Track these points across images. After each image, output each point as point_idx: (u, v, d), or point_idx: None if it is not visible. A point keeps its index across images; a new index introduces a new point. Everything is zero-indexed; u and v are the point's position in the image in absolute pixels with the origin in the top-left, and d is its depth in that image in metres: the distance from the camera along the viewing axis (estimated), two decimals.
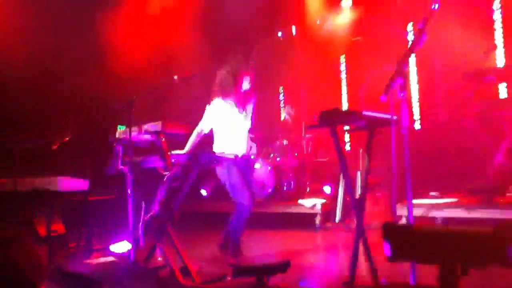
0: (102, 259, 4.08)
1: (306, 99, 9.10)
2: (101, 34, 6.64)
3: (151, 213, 3.66)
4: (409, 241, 1.95)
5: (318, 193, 6.77)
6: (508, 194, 4.92)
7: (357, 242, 3.09)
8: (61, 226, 5.05)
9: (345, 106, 8.77)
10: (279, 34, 9.20)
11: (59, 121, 5.76)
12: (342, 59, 8.97)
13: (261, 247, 5.06)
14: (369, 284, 3.02)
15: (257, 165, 6.83)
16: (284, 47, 9.09)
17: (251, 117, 4.49)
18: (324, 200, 6.29)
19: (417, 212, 4.94)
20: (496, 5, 6.89)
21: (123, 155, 3.73)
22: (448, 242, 1.85)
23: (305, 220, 6.22)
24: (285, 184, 7.05)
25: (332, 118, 3.18)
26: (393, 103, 2.81)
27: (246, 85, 4.43)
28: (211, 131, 4.42)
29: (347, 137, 8.47)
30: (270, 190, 6.78)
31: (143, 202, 3.77)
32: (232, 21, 7.57)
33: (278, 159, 7.09)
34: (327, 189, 6.66)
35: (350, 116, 3.26)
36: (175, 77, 3.94)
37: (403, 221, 4.79)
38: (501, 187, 4.90)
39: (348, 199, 5.46)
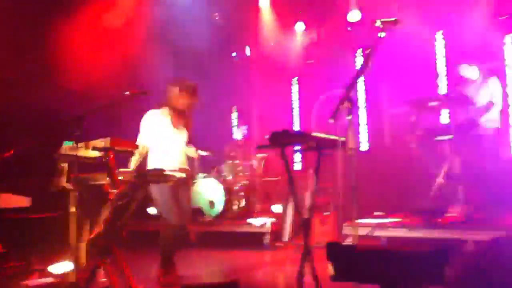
0: (42, 280, 3.91)
1: (258, 119, 9.20)
2: (50, 47, 6.46)
3: (96, 232, 3.55)
4: (352, 261, 2.00)
5: (268, 212, 6.82)
6: (447, 215, 5.14)
7: (303, 261, 3.12)
8: None
9: (296, 127, 8.93)
10: (234, 54, 9.32)
11: None
12: (295, 81, 9.16)
13: (210, 266, 5.01)
14: None
15: (207, 183, 6.80)
16: (238, 67, 9.19)
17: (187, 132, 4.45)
18: (273, 219, 6.32)
19: (362, 231, 5.05)
20: (439, 35, 7.29)
21: (68, 172, 3.62)
22: (389, 263, 1.91)
23: (254, 239, 6.22)
24: (236, 203, 7.04)
25: (282, 139, 3.23)
26: (340, 126, 2.90)
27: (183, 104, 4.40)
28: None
29: (298, 157, 8.61)
30: (220, 208, 6.75)
31: (88, 220, 3.65)
32: (188, 39, 7.58)
33: (229, 178, 7.09)
34: (276, 208, 6.72)
35: (300, 137, 3.33)
36: (126, 92, 3.89)
37: (350, 240, 4.89)
38: (441, 208, 5.11)
39: (297, 218, 5.53)
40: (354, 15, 7.66)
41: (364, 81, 7.88)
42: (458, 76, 5.59)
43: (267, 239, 6.18)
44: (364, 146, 7.98)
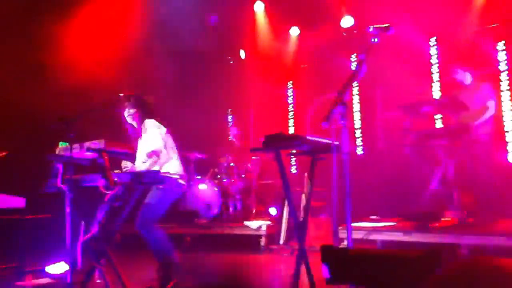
0: (37, 281, 3.90)
1: (253, 122, 9.23)
2: (46, 46, 6.44)
3: (90, 234, 3.55)
4: (346, 264, 2.02)
5: (264, 215, 6.83)
6: (442, 219, 5.18)
7: (298, 264, 3.14)
8: None
9: (291, 130, 8.97)
10: (229, 57, 9.36)
11: None
12: (290, 84, 9.20)
13: (205, 269, 5.00)
14: None
15: (203, 186, 6.81)
16: (233, 70, 9.22)
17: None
18: (269, 222, 6.34)
19: (357, 235, 5.08)
20: (433, 41, 7.35)
21: (63, 173, 3.62)
22: (382, 266, 1.93)
23: (250, 242, 6.23)
24: (231, 205, 7.05)
25: (276, 142, 3.25)
26: (334, 130, 2.92)
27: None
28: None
29: (293, 160, 8.64)
30: (216, 211, 6.76)
31: (82, 222, 3.65)
32: (183, 42, 7.59)
33: (224, 180, 7.10)
34: (272, 211, 6.73)
35: (294, 140, 3.34)
36: (121, 94, 3.90)
37: (345, 243, 4.91)
38: (435, 212, 5.14)
39: (292, 221, 5.54)
40: (347, 21, 7.73)
41: (358, 85, 7.93)
42: (452, 79, 5.63)
43: (262, 241, 6.19)
44: (358, 150, 8.02)
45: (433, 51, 7.36)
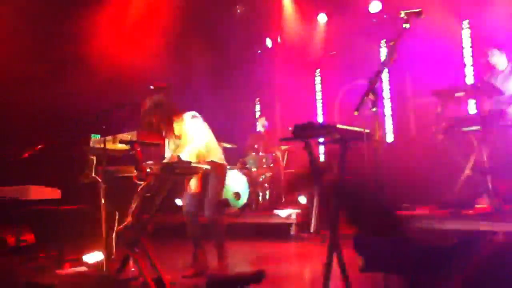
0: (74, 269, 4.02)
1: (281, 111, 9.21)
2: (76, 41, 6.57)
3: (125, 223, 3.63)
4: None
5: (293, 203, 6.83)
6: (476, 207, 5.07)
7: (330, 252, 3.13)
8: (31, 235, 4.95)
9: (320, 119, 8.90)
10: (256, 47, 9.33)
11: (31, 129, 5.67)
12: (318, 73, 9.12)
13: (235, 258, 5.07)
14: None
15: (232, 176, 6.85)
16: (261, 59, 9.20)
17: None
18: (299, 210, 6.34)
19: None
20: (465, 24, 7.14)
21: (97, 164, 3.70)
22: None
23: (280, 230, 6.25)
24: (260, 194, 7.08)
25: (305, 131, 3.23)
26: (365, 118, 2.89)
27: None
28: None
29: (321, 148, 8.58)
30: (245, 200, 6.80)
31: (116, 212, 3.73)
32: (209, 33, 7.62)
33: (253, 169, 7.13)
34: (302, 199, 6.73)
35: (324, 129, 3.32)
36: (151, 86, 3.95)
37: None
38: (470, 200, 5.04)
39: (322, 209, 5.53)
40: (375, 6, 7.59)
41: (389, 72, 7.79)
42: (486, 63, 5.47)
43: (292, 230, 6.20)
44: (389, 137, 7.90)
45: (466, 34, 7.15)
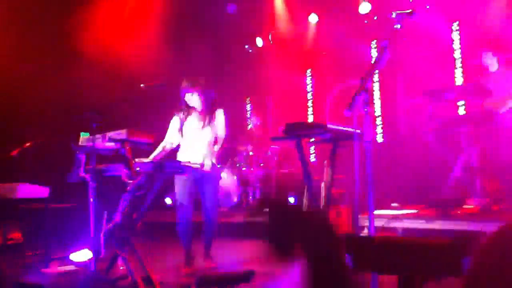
0: (62, 268, 3.98)
1: (272, 110, 9.20)
2: (66, 41, 6.51)
3: (113, 222, 3.60)
4: (370, 252, 2.00)
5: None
6: (464, 207, 5.10)
7: None
8: (18, 234, 4.89)
9: (310, 118, 8.91)
10: (246, 46, 9.31)
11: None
12: (309, 72, 9.13)
13: (225, 257, 5.05)
14: None
15: (223, 175, 6.84)
16: (252, 58, 9.18)
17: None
18: None
19: (378, 223, 5.03)
20: (455, 25, 7.19)
21: (86, 163, 3.67)
22: (407, 254, 1.91)
23: None
24: (250, 194, 7.07)
25: (297, 131, 3.24)
26: (356, 118, 2.89)
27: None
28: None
29: (312, 148, 8.60)
30: (235, 199, 6.79)
31: (105, 211, 3.70)
32: (202, 31, 7.59)
33: (243, 169, 7.12)
34: (292, 199, 6.73)
35: (315, 128, 3.33)
36: (142, 85, 3.92)
37: (365, 232, 4.88)
38: (458, 199, 5.07)
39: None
40: (364, 7, 7.61)
41: (379, 71, 7.83)
42: (478, 64, 5.50)
43: None
44: (379, 137, 7.93)
45: (456, 36, 7.20)
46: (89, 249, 3.66)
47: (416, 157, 6.45)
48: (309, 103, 9.08)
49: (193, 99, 4.31)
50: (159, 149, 4.31)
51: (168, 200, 7.18)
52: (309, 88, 9.13)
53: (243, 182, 6.93)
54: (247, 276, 3.00)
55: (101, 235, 3.59)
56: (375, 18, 7.65)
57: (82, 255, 3.99)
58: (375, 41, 7.93)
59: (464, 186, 5.11)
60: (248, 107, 9.88)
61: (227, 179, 6.83)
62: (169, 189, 6.90)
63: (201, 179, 4.23)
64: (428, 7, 7.03)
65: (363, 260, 2.01)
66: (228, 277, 3.16)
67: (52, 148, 5.54)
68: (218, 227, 4.35)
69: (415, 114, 6.37)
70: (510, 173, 5.00)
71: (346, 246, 1.98)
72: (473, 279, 1.13)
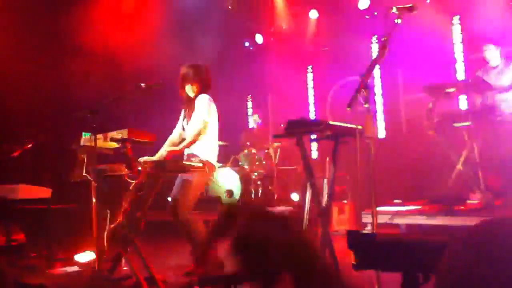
0: (65, 269, 3.99)
1: (273, 108, 9.19)
2: (64, 39, 6.50)
3: (116, 222, 3.60)
4: (373, 249, 1.99)
5: (286, 200, 6.82)
6: (467, 202, 5.09)
7: (323, 249, 3.13)
8: (21, 235, 4.90)
9: (312, 115, 8.90)
10: (247, 43, 9.30)
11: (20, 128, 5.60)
12: (309, 69, 9.11)
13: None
14: None
15: (225, 173, 6.83)
16: (252, 56, 9.17)
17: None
18: (291, 208, 6.33)
19: (381, 219, 5.03)
20: (456, 20, 7.16)
21: (88, 163, 3.67)
22: (410, 251, 1.90)
23: None
24: (253, 192, 7.06)
25: (298, 128, 3.23)
26: (357, 114, 2.88)
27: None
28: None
29: (314, 145, 8.58)
30: (237, 198, 6.78)
31: (108, 211, 3.70)
32: (202, 28, 7.57)
33: (246, 167, 7.11)
34: (294, 197, 6.72)
35: (316, 126, 3.31)
36: (142, 84, 3.91)
37: (368, 228, 4.88)
38: (461, 195, 5.06)
39: (314, 207, 5.53)
40: (363, 3, 7.57)
41: (380, 68, 7.81)
42: (479, 58, 5.48)
43: None
44: (381, 133, 7.92)
45: (457, 30, 7.17)
46: (92, 249, 3.67)
47: (418, 152, 6.43)
48: (310, 100, 9.06)
49: (190, 90, 4.16)
50: (167, 144, 4.24)
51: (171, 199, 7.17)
52: (310, 84, 9.11)
53: (245, 180, 6.92)
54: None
55: (104, 235, 3.60)
56: (375, 13, 7.62)
57: (86, 256, 4.00)
58: (375, 36, 7.90)
59: (466, 182, 5.10)
60: (249, 104, 9.87)
61: (229, 177, 6.82)
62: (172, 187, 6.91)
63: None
64: (428, 1, 7.01)
65: (366, 257, 2.00)
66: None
67: (53, 148, 5.55)
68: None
69: (416, 109, 6.34)
70: None
71: (348, 243, 1.97)
72: (443, 280, 1.10)
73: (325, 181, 5.21)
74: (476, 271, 0.99)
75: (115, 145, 3.61)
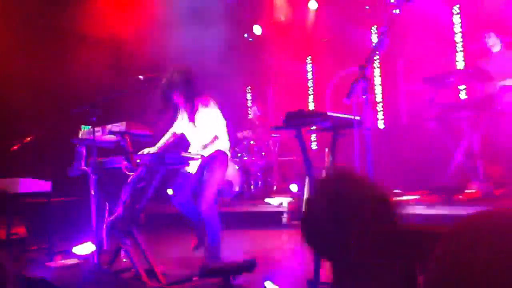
0: (65, 262, 4.00)
1: (272, 99, 9.17)
2: (64, 32, 6.47)
3: (115, 215, 3.61)
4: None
5: (285, 191, 6.84)
6: (466, 192, 5.10)
7: None
8: (22, 228, 4.92)
9: (311, 106, 8.88)
10: (246, 35, 9.26)
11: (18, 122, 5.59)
12: (309, 60, 9.08)
13: (227, 247, 5.07)
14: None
15: None
16: (251, 47, 9.13)
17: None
18: (290, 199, 6.35)
19: None
20: (456, 9, 7.12)
21: (87, 156, 3.67)
22: (407, 241, 1.90)
23: (272, 219, 6.26)
24: (252, 183, 7.08)
25: (297, 120, 3.21)
26: (356, 105, 2.87)
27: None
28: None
29: (313, 136, 8.58)
30: (237, 189, 6.80)
31: (107, 204, 3.71)
32: (200, 20, 7.53)
33: (245, 158, 7.12)
34: (293, 188, 6.74)
35: (315, 117, 3.30)
36: (141, 77, 3.89)
37: None
38: (460, 185, 5.07)
39: None
40: None
41: (380, 58, 7.78)
42: (481, 47, 5.45)
43: (284, 218, 6.21)
44: (380, 124, 7.91)
45: (456, 19, 7.13)
46: (92, 242, 3.68)
47: (418, 143, 6.43)
48: (310, 91, 9.04)
49: (179, 97, 4.06)
50: (168, 135, 4.22)
51: (170, 191, 7.18)
52: (309, 75, 9.08)
53: (244, 171, 6.93)
54: (250, 266, 3.00)
55: (104, 227, 3.60)
56: (375, 3, 7.58)
57: (85, 248, 4.01)
58: (375, 26, 7.86)
59: (466, 171, 5.10)
60: (249, 96, 9.85)
61: (229, 169, 6.82)
62: (171, 180, 6.91)
63: None
64: None
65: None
66: (231, 267, 3.16)
67: (52, 142, 5.55)
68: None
69: (416, 99, 6.33)
70: None
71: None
72: (433, 269, 1.09)
73: (324, 171, 5.23)
74: (464, 262, 0.98)
75: (114, 138, 3.60)
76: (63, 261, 4.07)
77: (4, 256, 4.07)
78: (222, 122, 4.17)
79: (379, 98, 7.96)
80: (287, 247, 5.28)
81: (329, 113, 3.30)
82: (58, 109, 6.11)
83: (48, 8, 6.43)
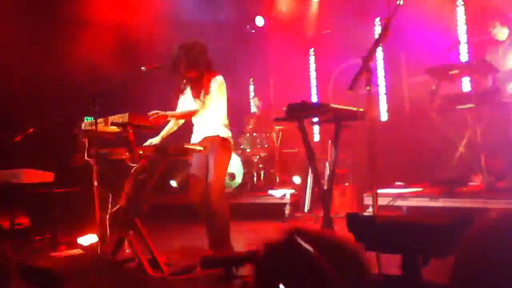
0: (69, 252, 4.02)
1: (275, 91, 9.15)
2: (65, 23, 6.45)
3: (118, 206, 3.62)
4: (373, 232, 2.00)
5: (288, 183, 6.84)
6: (469, 184, 5.10)
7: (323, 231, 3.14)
8: (25, 219, 4.94)
9: (314, 98, 8.86)
10: (248, 26, 9.21)
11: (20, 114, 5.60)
12: (311, 52, 9.04)
13: (230, 238, 5.08)
14: None
15: None
16: (254, 39, 9.09)
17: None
18: (293, 191, 6.35)
19: (383, 201, 5.05)
20: (459, 1, 7.06)
21: (89, 147, 3.68)
22: (410, 234, 1.91)
23: (274, 210, 6.27)
24: (255, 175, 7.09)
25: (299, 112, 3.21)
26: (359, 97, 2.87)
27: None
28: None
29: (316, 128, 8.57)
30: (240, 181, 6.80)
31: (109, 195, 3.72)
32: (202, 11, 7.50)
33: (248, 150, 7.12)
34: (296, 180, 6.74)
35: (318, 109, 3.30)
36: (143, 68, 3.89)
37: (370, 210, 4.89)
38: (463, 177, 5.06)
39: (316, 189, 5.54)
40: None
41: (383, 50, 7.74)
42: (487, 39, 5.41)
43: (287, 210, 6.22)
44: (383, 116, 7.89)
45: (460, 11, 7.08)
46: (95, 232, 3.70)
47: (421, 135, 6.41)
48: (312, 83, 9.01)
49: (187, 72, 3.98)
50: (170, 124, 4.14)
51: (173, 183, 7.21)
52: (312, 67, 9.04)
53: (247, 163, 6.93)
54: (252, 257, 3.01)
55: (107, 218, 3.62)
56: None
57: (88, 239, 4.03)
58: (378, 18, 7.81)
59: (469, 164, 5.09)
60: (251, 88, 9.83)
61: (231, 160, 6.83)
62: (174, 171, 6.92)
63: None
64: None
65: (366, 240, 2.01)
66: (233, 258, 3.18)
67: (55, 133, 5.56)
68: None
69: (419, 92, 6.31)
70: None
71: (348, 226, 1.98)
72: (462, 258, 1.10)
73: (327, 163, 5.23)
74: (496, 255, 0.99)
75: (116, 129, 3.61)
76: (66, 251, 4.09)
77: (8, 247, 4.10)
78: (225, 98, 4.09)
79: (382, 90, 7.93)
80: None
81: (331, 105, 3.30)
82: (60, 99, 6.12)
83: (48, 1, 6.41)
